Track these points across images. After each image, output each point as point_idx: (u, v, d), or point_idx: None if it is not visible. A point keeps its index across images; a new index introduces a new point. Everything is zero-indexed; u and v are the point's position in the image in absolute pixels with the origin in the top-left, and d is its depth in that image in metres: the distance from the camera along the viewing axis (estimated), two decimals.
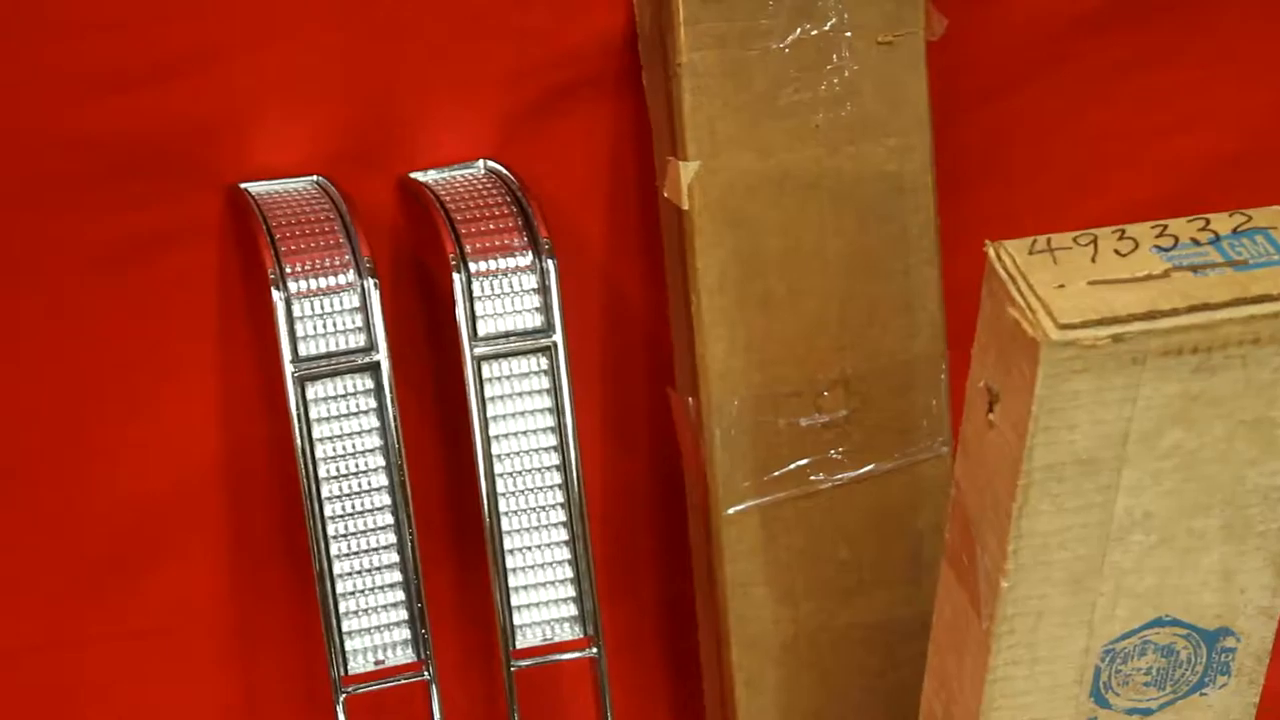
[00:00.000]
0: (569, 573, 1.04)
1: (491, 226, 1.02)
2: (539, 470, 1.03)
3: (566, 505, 1.03)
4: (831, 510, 1.08)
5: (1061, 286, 0.82)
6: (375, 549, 1.01)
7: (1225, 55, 1.15)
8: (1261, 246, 0.84)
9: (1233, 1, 1.14)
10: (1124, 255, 0.84)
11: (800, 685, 1.09)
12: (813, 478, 1.07)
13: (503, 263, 1.01)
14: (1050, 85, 1.14)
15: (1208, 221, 0.85)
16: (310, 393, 0.99)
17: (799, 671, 1.09)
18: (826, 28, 1.03)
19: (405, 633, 1.02)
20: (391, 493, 1.01)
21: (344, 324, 0.99)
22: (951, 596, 0.91)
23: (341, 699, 1.02)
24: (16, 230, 1.01)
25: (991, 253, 0.84)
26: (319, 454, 0.99)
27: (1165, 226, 0.85)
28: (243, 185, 1.03)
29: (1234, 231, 0.85)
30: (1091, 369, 0.81)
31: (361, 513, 1.01)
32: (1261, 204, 0.87)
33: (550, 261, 1.01)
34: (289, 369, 0.98)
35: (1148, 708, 0.91)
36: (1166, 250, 0.84)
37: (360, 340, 0.99)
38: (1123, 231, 0.85)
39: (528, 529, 1.03)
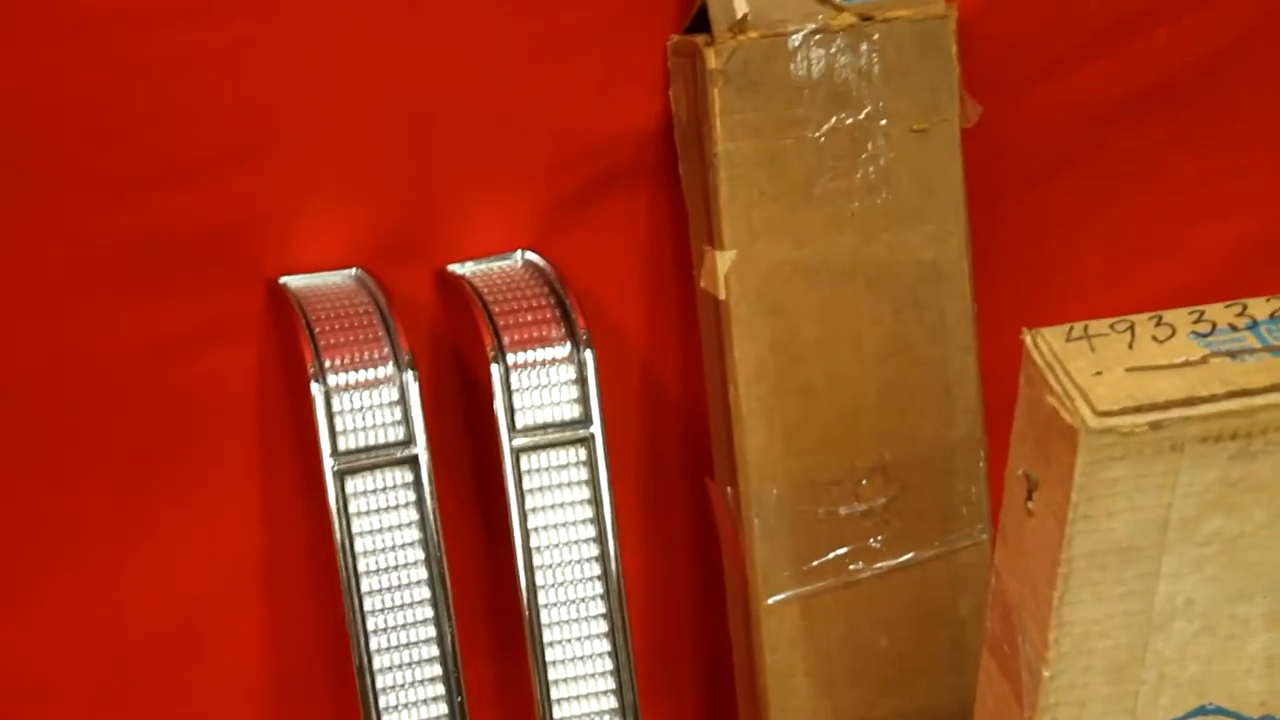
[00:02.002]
0: (609, 665, 1.03)
1: (530, 318, 1.02)
2: (578, 562, 1.02)
3: (606, 596, 1.03)
4: (871, 599, 1.07)
5: (1099, 374, 0.81)
6: (415, 643, 1.01)
7: (1256, 141, 1.15)
8: None
9: (1261, 89, 1.15)
10: (1161, 341, 0.83)
11: None
12: (852, 566, 1.07)
13: (541, 354, 1.01)
14: (1084, 172, 1.14)
15: (1245, 307, 0.85)
16: (350, 486, 0.99)
17: None
18: (861, 116, 1.03)
19: None
20: (431, 585, 1.01)
21: (383, 418, 1.00)
22: (994, 686, 0.91)
23: None
24: (66, 325, 1.02)
25: (1029, 341, 0.84)
26: (358, 548, 0.99)
27: (1203, 312, 0.85)
28: (282, 279, 1.04)
29: (1271, 316, 0.84)
30: (1130, 456, 0.80)
31: (401, 606, 1.01)
32: None
33: (588, 352, 1.01)
34: (328, 463, 0.99)
35: None
36: (1204, 336, 0.84)
37: (399, 434, 1.00)
38: (1160, 318, 0.85)
39: (568, 621, 1.03)
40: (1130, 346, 0.83)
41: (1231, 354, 0.82)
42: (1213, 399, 0.81)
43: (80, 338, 1.02)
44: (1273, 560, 0.85)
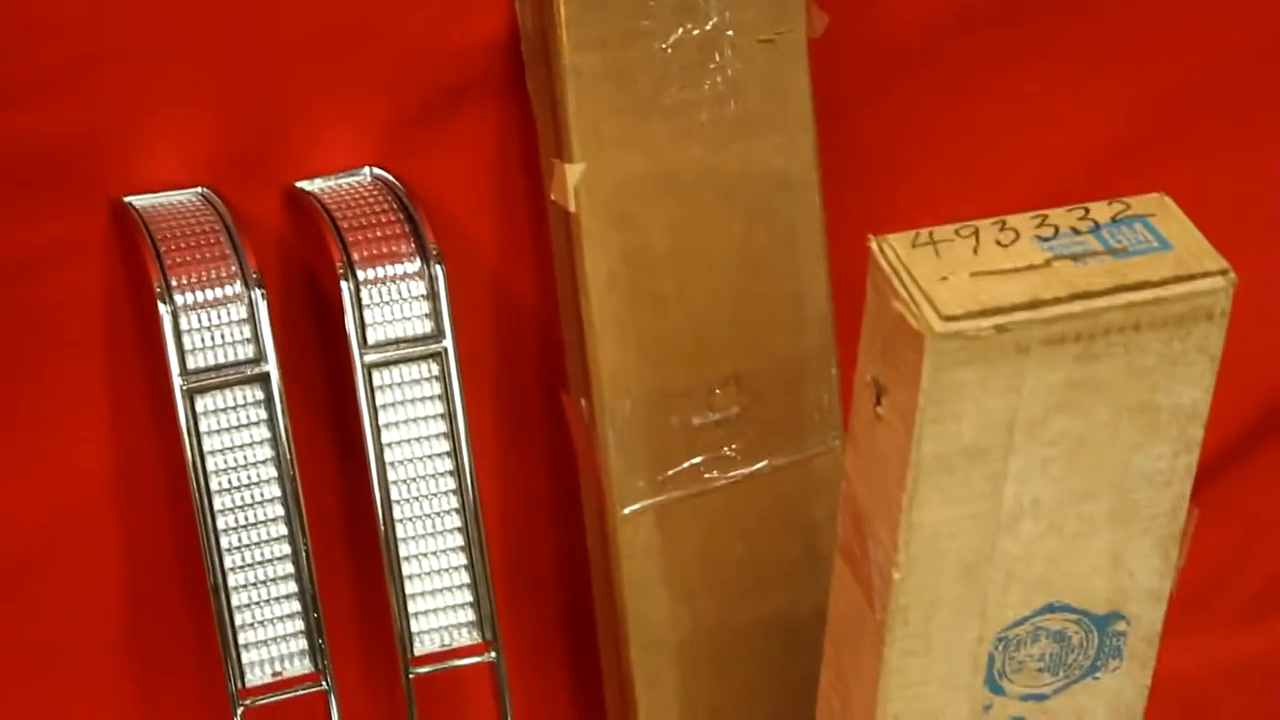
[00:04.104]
0: (465, 578, 1.04)
1: (379, 234, 1.02)
2: (433, 476, 1.02)
3: (461, 510, 1.03)
4: (727, 507, 1.08)
5: (944, 279, 0.82)
6: (270, 560, 1.01)
7: (1103, 48, 1.16)
8: (1140, 234, 0.85)
9: None
10: (1005, 246, 0.84)
11: (700, 683, 1.10)
12: (707, 475, 1.07)
13: (391, 270, 1.01)
14: (932, 81, 1.15)
15: (1087, 210, 0.86)
16: (200, 406, 0.98)
17: (699, 669, 1.10)
18: (708, 27, 1.03)
19: (302, 643, 1.02)
20: (285, 503, 1.00)
21: (232, 336, 0.99)
22: (846, 590, 0.92)
23: (239, 712, 1.01)
24: None
25: (875, 247, 0.85)
26: (210, 466, 0.99)
27: (1045, 217, 0.86)
28: (126, 199, 1.02)
29: (1113, 220, 0.85)
30: (976, 359, 0.81)
31: (255, 524, 1.00)
32: (1140, 193, 0.88)
33: (439, 267, 1.01)
34: (177, 382, 0.98)
35: (1042, 693, 0.92)
36: (1047, 240, 0.84)
37: (249, 352, 0.99)
38: (1004, 223, 0.86)
39: (423, 535, 1.03)
40: (975, 251, 0.84)
41: (1074, 257, 0.83)
42: (1056, 302, 0.82)
43: None
44: (1116, 460, 0.86)
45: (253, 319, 0.99)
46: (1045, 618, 0.89)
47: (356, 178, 1.06)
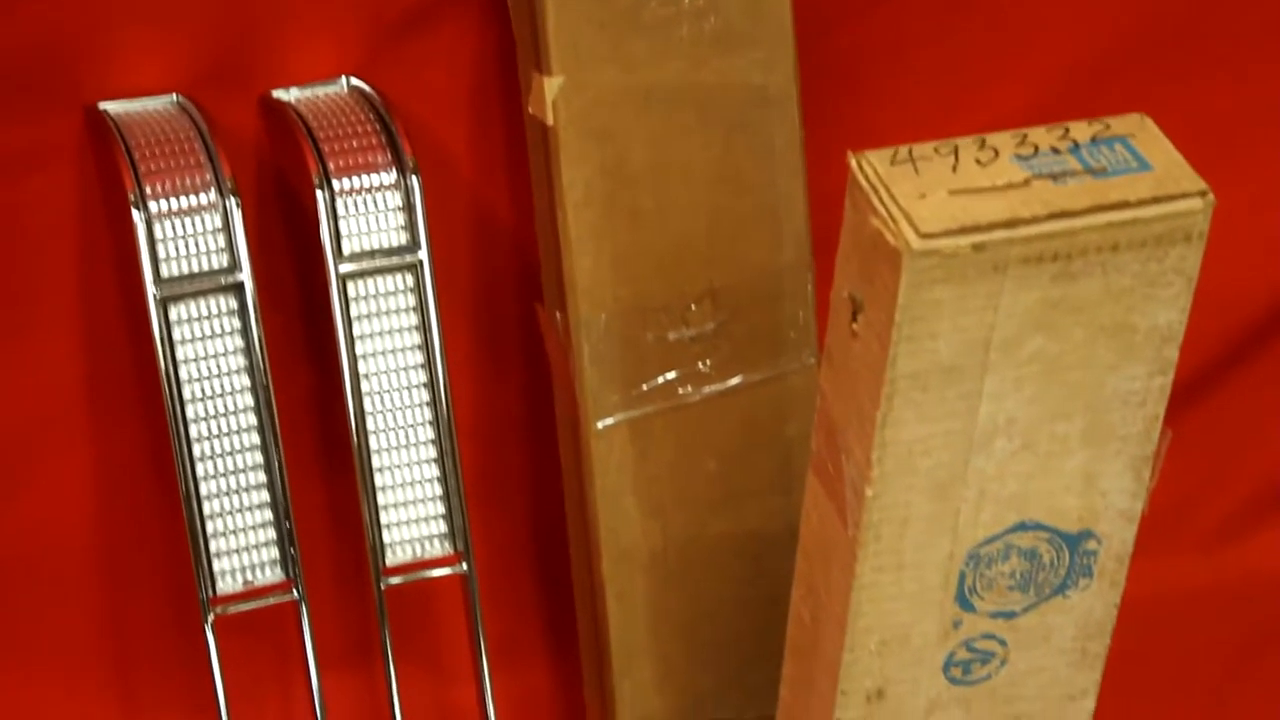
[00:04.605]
0: (438, 490, 1.04)
1: (355, 144, 1.01)
2: (407, 388, 1.02)
3: (435, 422, 1.03)
4: (701, 423, 1.08)
5: (923, 196, 0.82)
6: (242, 469, 1.01)
7: None
8: (1120, 154, 0.84)
9: None
10: (984, 165, 0.84)
11: (670, 596, 1.10)
12: (681, 391, 1.07)
13: (367, 180, 1.00)
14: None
15: (1067, 130, 0.86)
16: (173, 314, 0.98)
17: (669, 583, 1.10)
18: None
19: (274, 552, 1.02)
20: (258, 413, 1.00)
21: (207, 245, 0.99)
22: (818, 505, 0.92)
23: (210, 619, 1.01)
24: None
25: (854, 163, 0.84)
26: (183, 375, 0.99)
27: (1025, 135, 0.86)
28: (101, 105, 1.02)
29: (1093, 140, 0.85)
30: (953, 277, 0.81)
31: (227, 433, 1.00)
32: (1121, 113, 0.87)
33: (415, 178, 1.00)
34: (151, 290, 0.97)
35: (1011, 611, 0.92)
36: (1026, 159, 0.84)
37: (223, 261, 0.99)
38: (983, 141, 0.85)
39: (396, 447, 1.03)
40: (954, 170, 0.84)
41: (1053, 176, 0.83)
42: (1034, 220, 0.81)
43: None
44: (1091, 379, 0.86)
45: (227, 228, 0.98)
46: (1017, 535, 0.90)
47: (333, 88, 1.05)
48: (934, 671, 0.93)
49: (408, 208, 1.01)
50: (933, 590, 0.90)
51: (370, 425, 1.02)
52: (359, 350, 1.01)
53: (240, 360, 1.00)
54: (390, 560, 1.04)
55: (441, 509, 1.04)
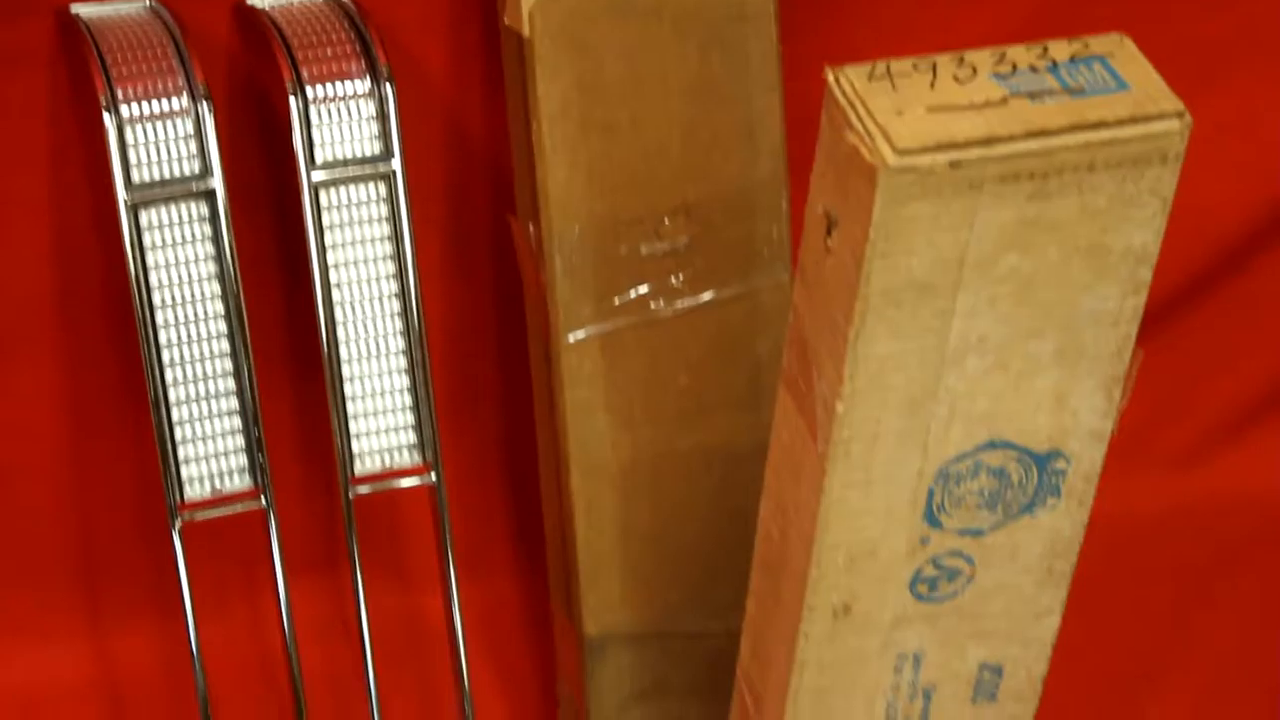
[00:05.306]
0: (408, 400, 1.04)
1: (329, 52, 1.00)
2: (378, 298, 1.02)
3: (405, 332, 1.03)
4: (672, 337, 1.08)
5: (900, 113, 0.82)
6: (211, 376, 1.01)
7: None
8: (1098, 74, 0.84)
9: None
10: (963, 82, 0.84)
11: (639, 510, 1.10)
12: (653, 305, 1.07)
13: (341, 88, 1.00)
14: None
15: (1046, 49, 0.85)
16: (144, 220, 0.98)
17: (638, 496, 1.10)
18: None
19: (242, 460, 1.02)
20: (228, 320, 1.00)
21: (179, 151, 0.98)
22: (789, 421, 0.92)
23: (177, 525, 1.01)
24: None
25: (831, 79, 0.84)
26: (153, 282, 0.98)
27: (1004, 54, 0.85)
28: (73, 9, 1.01)
29: (1072, 59, 0.85)
30: (929, 194, 0.81)
31: (197, 340, 1.00)
32: (1100, 32, 0.87)
33: (389, 87, 1.00)
34: (122, 195, 0.97)
35: (979, 529, 0.93)
36: (1005, 77, 0.84)
37: (195, 167, 0.98)
38: (962, 58, 0.85)
39: (366, 356, 1.03)
40: (932, 86, 0.83)
41: (1031, 95, 0.83)
42: (1011, 139, 0.81)
43: None
44: (1064, 299, 0.86)
45: (199, 134, 0.98)
46: (986, 453, 0.90)
47: None
48: (900, 588, 0.93)
49: (381, 117, 1.00)
50: (901, 507, 0.91)
51: (341, 334, 1.02)
52: (330, 259, 1.01)
53: (211, 267, 0.99)
54: (359, 469, 1.04)
55: (411, 419, 1.04)
